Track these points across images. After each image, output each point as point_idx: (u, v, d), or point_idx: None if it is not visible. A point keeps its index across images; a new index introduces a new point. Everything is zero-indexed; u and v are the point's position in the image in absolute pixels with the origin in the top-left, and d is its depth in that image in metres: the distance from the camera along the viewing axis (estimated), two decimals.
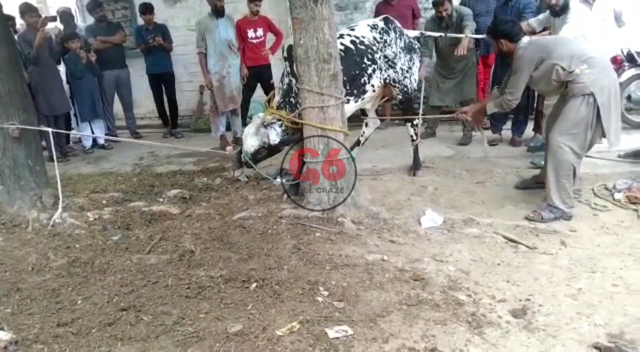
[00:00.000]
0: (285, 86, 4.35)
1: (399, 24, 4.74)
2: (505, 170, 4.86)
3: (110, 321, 2.63)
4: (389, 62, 4.51)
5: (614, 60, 5.85)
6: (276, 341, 2.39)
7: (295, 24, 3.63)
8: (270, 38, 6.69)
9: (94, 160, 6.41)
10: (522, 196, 4.24)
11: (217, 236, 3.63)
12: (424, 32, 5.29)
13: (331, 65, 3.67)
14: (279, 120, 4.30)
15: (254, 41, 6.48)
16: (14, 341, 2.47)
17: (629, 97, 5.98)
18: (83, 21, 8.08)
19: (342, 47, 4.23)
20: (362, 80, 4.38)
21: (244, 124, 7.39)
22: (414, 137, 4.94)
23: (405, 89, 4.67)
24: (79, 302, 2.86)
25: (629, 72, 6.01)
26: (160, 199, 4.53)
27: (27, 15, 6.05)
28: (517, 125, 5.81)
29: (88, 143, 6.92)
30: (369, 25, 4.55)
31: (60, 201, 4.06)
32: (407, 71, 4.64)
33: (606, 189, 4.22)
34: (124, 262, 3.31)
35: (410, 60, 4.69)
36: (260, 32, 6.48)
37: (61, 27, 7.10)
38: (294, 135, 4.23)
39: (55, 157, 4.38)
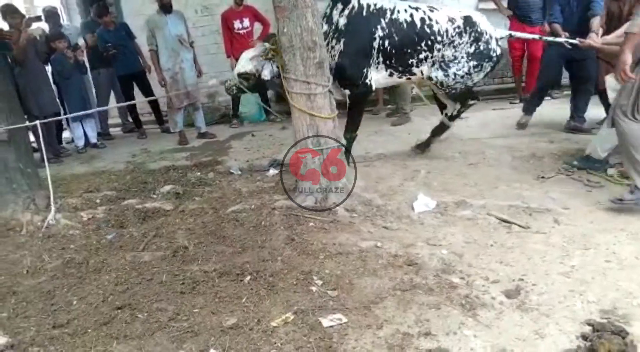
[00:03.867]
0: None
1: (483, 26, 4.38)
2: (498, 150, 4.86)
3: (106, 320, 2.63)
4: (443, 63, 4.36)
5: None
6: (271, 333, 2.39)
7: (278, 12, 3.59)
8: (258, 28, 6.65)
9: (87, 159, 6.38)
10: (515, 175, 4.24)
11: (211, 231, 3.62)
12: (512, 33, 5.12)
13: (316, 53, 3.63)
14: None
15: (241, 31, 6.45)
16: (10, 344, 2.48)
17: None
18: (69, 20, 8.00)
19: (409, 19, 4.18)
20: (410, 61, 4.31)
21: (235, 115, 7.40)
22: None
23: (454, 91, 4.49)
24: (74, 302, 2.86)
25: None
26: (154, 196, 4.51)
27: (8, 17, 5.97)
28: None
29: (80, 143, 6.85)
30: (448, 16, 4.33)
31: (53, 202, 4.05)
32: (463, 77, 4.41)
33: None
34: (118, 261, 3.30)
35: (476, 67, 4.41)
36: (246, 22, 6.46)
37: (46, 27, 7.03)
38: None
39: (46, 158, 4.36)
